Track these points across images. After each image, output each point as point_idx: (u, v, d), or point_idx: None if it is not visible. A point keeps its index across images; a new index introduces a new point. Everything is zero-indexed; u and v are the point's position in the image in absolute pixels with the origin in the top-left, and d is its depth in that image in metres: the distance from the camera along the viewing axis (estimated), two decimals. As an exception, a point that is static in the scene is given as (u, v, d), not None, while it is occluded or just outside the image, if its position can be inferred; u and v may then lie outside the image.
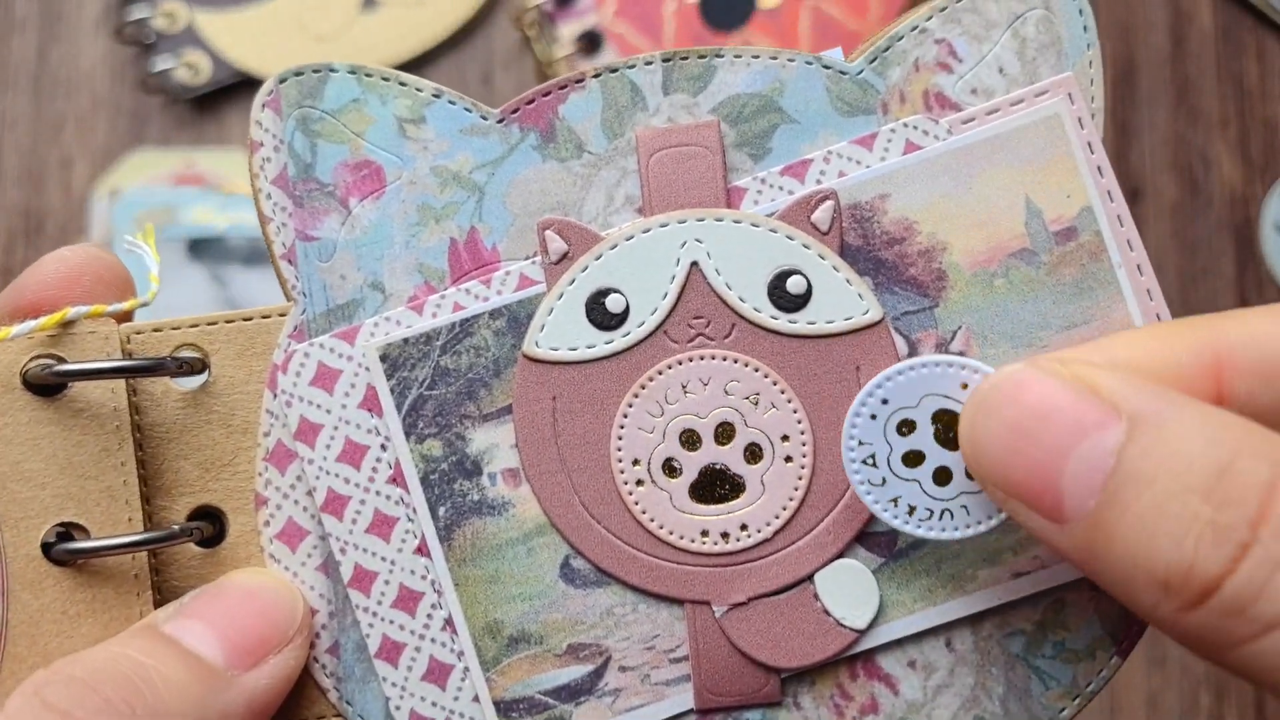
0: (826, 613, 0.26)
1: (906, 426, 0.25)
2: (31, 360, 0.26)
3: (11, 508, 0.25)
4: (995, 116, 0.27)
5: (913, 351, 0.27)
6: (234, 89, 0.59)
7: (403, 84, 0.28)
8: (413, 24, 0.58)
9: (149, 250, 0.29)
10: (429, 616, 0.27)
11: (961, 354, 0.27)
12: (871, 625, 0.26)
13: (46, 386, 0.26)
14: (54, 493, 0.26)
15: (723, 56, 0.27)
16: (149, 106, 0.60)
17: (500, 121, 0.27)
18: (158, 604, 0.27)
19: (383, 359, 0.27)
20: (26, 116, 0.59)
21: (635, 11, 0.57)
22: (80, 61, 0.60)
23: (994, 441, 0.22)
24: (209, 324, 0.28)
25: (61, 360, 0.26)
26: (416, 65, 0.59)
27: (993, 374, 0.23)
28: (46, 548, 0.26)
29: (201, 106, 0.59)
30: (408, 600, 0.27)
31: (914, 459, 0.25)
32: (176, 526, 0.27)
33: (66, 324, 0.26)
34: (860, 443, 0.25)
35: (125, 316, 0.28)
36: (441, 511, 0.27)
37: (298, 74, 0.28)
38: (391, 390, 0.27)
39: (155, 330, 0.27)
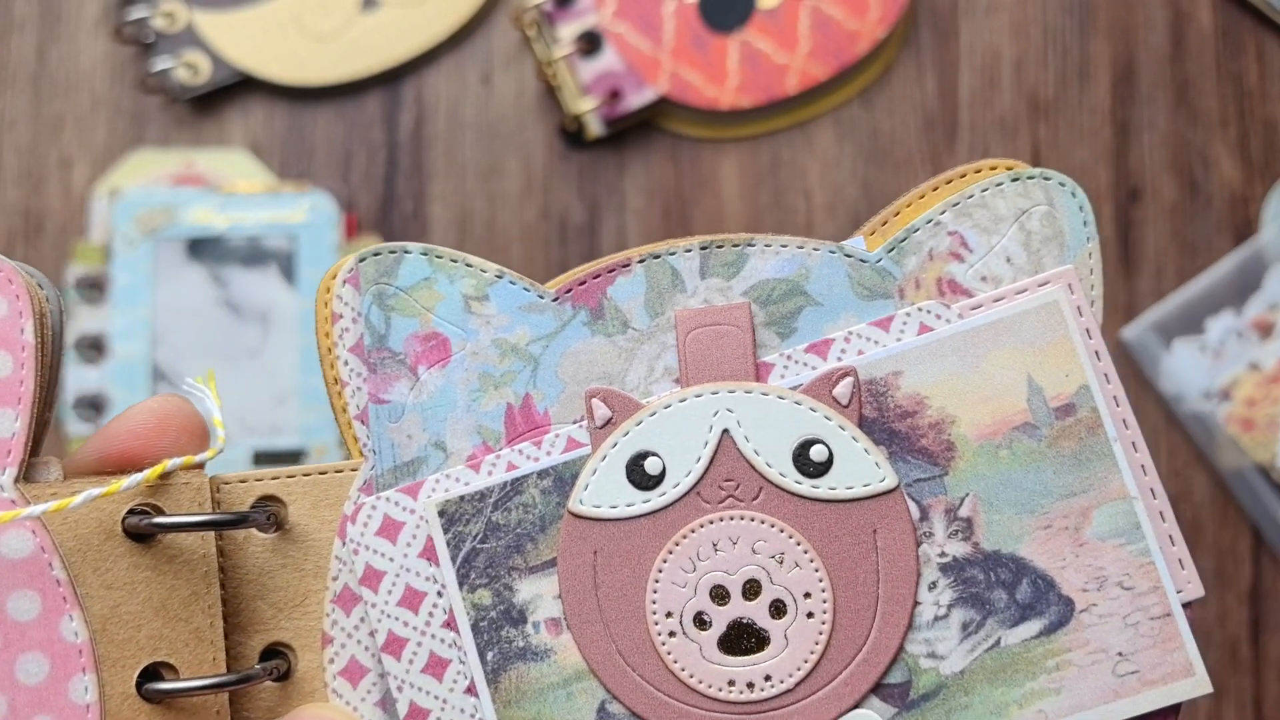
0: (845, 760, 0.28)
1: None
2: (130, 510, 0.29)
3: (110, 649, 0.28)
4: (1000, 303, 0.30)
5: (924, 516, 0.29)
6: (234, 89, 0.59)
7: (469, 265, 0.31)
8: (413, 24, 0.58)
9: (210, 394, 0.32)
10: (477, 753, 0.29)
11: (969, 520, 0.29)
12: (887, 773, 0.28)
13: (142, 534, 0.29)
14: (148, 634, 0.28)
15: (754, 245, 0.30)
16: (149, 106, 0.59)
17: (555, 300, 0.31)
18: (233, 735, 0.29)
19: (441, 514, 0.30)
20: (26, 116, 0.59)
21: (635, 12, 0.57)
22: (80, 61, 0.60)
23: None
24: (289, 476, 0.31)
25: (160, 511, 0.29)
26: (416, 65, 0.59)
27: None
28: (138, 686, 0.28)
29: (201, 106, 0.59)
30: (458, 737, 0.29)
31: None
32: (257, 667, 0.29)
33: (164, 476, 0.29)
34: None
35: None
36: (490, 656, 0.29)
37: (376, 254, 0.31)
38: (448, 543, 0.30)
39: (241, 481, 0.30)
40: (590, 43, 0.58)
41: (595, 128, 0.58)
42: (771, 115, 0.58)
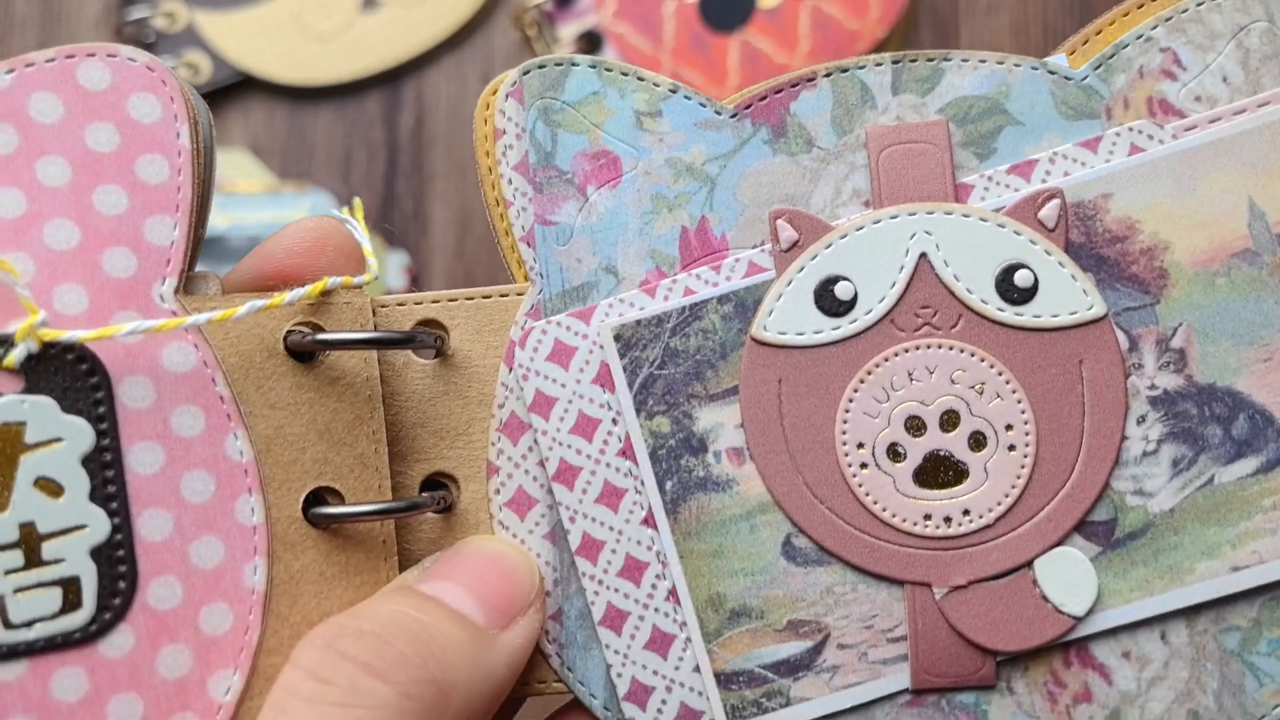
0: (1045, 599, 0.27)
1: None
2: (290, 330, 0.27)
3: (276, 470, 0.27)
4: (1218, 123, 0.28)
5: (1133, 347, 0.27)
6: (234, 89, 0.59)
7: (640, 78, 0.29)
8: (413, 24, 0.58)
9: (359, 224, 0.30)
10: (653, 587, 0.28)
11: (1182, 351, 0.27)
12: (1089, 613, 0.27)
13: (304, 353, 0.27)
14: (312, 457, 0.27)
15: (950, 60, 0.28)
16: None
17: (733, 116, 0.29)
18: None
19: (616, 339, 0.28)
20: (27, 117, 0.60)
21: (635, 11, 0.56)
22: None
23: None
24: (450, 300, 0.29)
25: (320, 329, 0.27)
26: (417, 65, 0.58)
27: None
28: (304, 510, 0.27)
29: None
30: (633, 570, 0.28)
31: None
32: (425, 495, 0.28)
33: (325, 294, 0.27)
34: None
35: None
36: (668, 486, 0.28)
37: (540, 66, 0.29)
38: (624, 368, 0.28)
39: (399, 304, 0.29)
40: (590, 42, 0.56)
41: (597, 125, 0.56)
42: (772, 113, 0.57)
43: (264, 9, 0.58)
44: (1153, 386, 0.27)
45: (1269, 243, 0.27)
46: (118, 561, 0.25)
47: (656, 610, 0.28)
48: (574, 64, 0.29)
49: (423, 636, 0.24)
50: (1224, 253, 0.27)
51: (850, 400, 0.28)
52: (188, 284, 0.27)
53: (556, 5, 0.57)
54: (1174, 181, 0.27)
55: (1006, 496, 0.27)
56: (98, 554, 0.25)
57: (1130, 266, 0.27)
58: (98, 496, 0.25)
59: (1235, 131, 0.27)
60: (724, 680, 0.28)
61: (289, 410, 0.27)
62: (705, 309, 0.28)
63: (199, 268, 0.28)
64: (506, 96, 0.29)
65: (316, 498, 0.27)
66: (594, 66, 0.29)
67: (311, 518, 0.27)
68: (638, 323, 0.28)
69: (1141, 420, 0.27)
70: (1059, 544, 0.27)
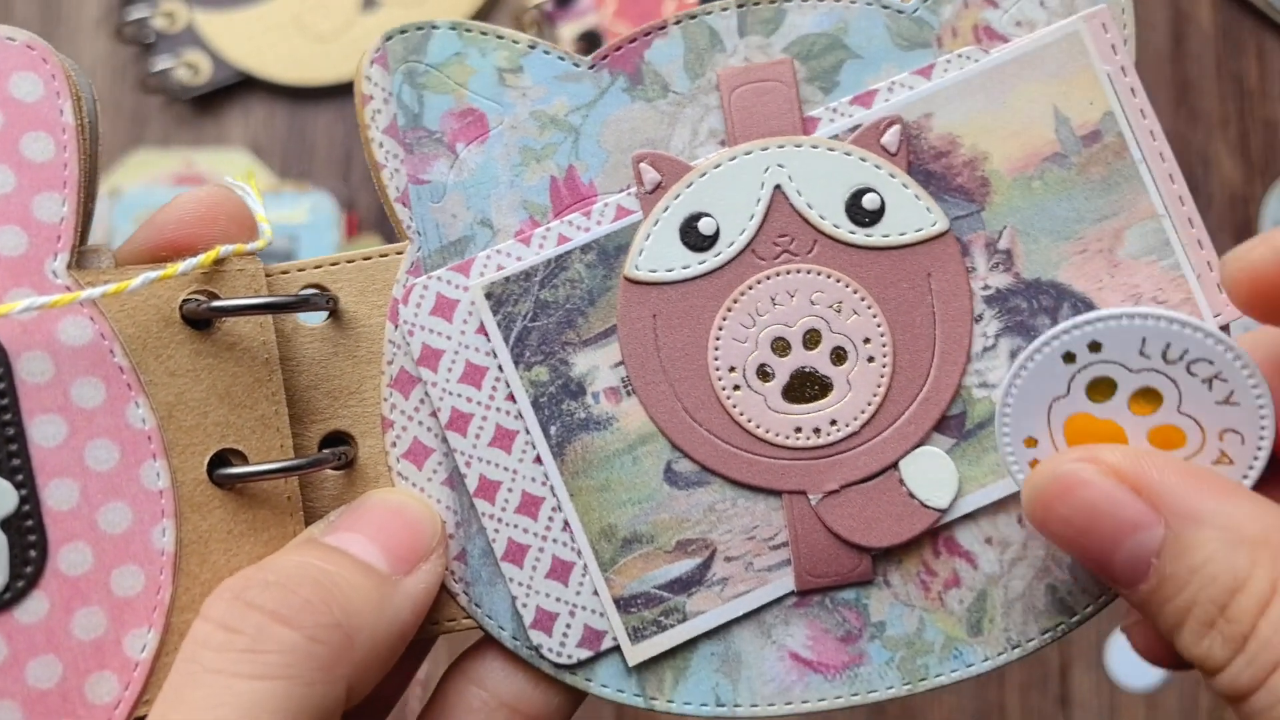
0: (911, 495, 0.29)
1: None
2: (187, 296, 0.28)
3: (179, 435, 0.28)
4: (1021, 40, 0.30)
5: (965, 252, 0.30)
6: (234, 89, 0.59)
7: (500, 37, 0.30)
8: None
9: (251, 190, 0.31)
10: (550, 519, 0.29)
11: (1009, 252, 0.30)
12: (951, 504, 0.29)
13: (200, 321, 0.28)
14: (214, 421, 0.28)
15: (791, 1, 0.30)
16: (149, 106, 0.60)
17: (591, 68, 0.30)
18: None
19: (488, 296, 0.29)
20: (26, 117, 0.60)
21: (635, 12, 0.57)
22: (80, 61, 0.59)
23: (1054, 529, 0.25)
24: (332, 264, 0.30)
25: (215, 296, 0.28)
26: None
27: (1049, 466, 0.25)
28: (209, 472, 0.28)
29: (201, 106, 0.60)
30: (530, 505, 0.29)
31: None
32: (326, 452, 0.29)
33: (219, 262, 0.28)
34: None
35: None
36: (553, 430, 0.29)
37: (402, 31, 0.30)
38: (498, 324, 0.29)
39: (283, 272, 0.30)
40: (590, 42, 0.57)
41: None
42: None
43: (264, 9, 0.59)
44: (986, 287, 0.30)
45: (1075, 145, 0.30)
46: (27, 531, 0.26)
47: (555, 540, 0.29)
48: (434, 27, 0.30)
49: (327, 584, 0.25)
50: (1036, 158, 0.30)
51: (720, 328, 0.29)
52: (80, 258, 0.28)
53: (556, 5, 0.58)
54: (986, 96, 0.30)
55: (869, 404, 0.29)
56: (7, 525, 0.26)
57: (955, 178, 0.30)
58: (3, 469, 0.26)
59: (1036, 45, 0.30)
60: (623, 605, 0.29)
61: (189, 377, 0.28)
62: (570, 260, 0.30)
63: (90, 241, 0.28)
64: (371, 63, 0.30)
65: (221, 459, 0.28)
66: (454, 28, 0.30)
67: (216, 479, 0.28)
68: (507, 279, 0.30)
69: (979, 319, 0.30)
70: (921, 444, 0.29)
